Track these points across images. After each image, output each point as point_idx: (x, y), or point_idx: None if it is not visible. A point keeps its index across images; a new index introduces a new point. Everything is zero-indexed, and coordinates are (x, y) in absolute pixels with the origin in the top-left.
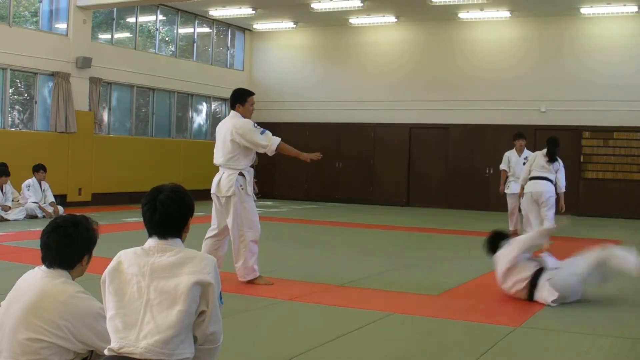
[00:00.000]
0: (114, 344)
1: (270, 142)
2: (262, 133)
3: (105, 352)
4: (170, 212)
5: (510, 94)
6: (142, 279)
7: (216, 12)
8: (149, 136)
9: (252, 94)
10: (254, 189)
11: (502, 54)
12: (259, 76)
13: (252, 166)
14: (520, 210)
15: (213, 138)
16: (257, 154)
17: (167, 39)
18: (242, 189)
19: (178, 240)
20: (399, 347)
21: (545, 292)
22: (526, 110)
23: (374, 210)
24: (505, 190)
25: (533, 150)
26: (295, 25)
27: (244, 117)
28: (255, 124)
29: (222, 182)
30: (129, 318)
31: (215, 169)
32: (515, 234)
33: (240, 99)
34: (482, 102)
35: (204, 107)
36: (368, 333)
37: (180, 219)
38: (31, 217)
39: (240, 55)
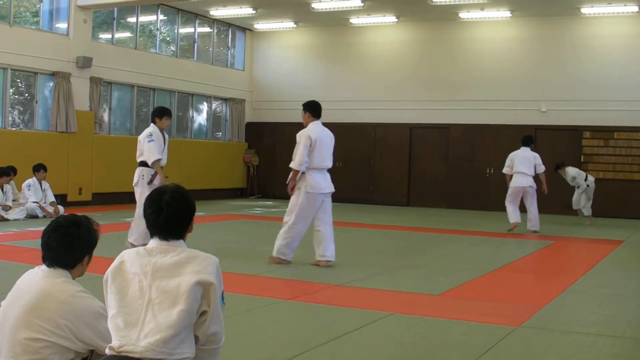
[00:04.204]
0: (114, 343)
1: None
2: None
3: (107, 350)
4: (176, 212)
5: (511, 94)
6: (144, 279)
7: (217, 12)
8: None
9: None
10: None
11: (503, 54)
12: (260, 76)
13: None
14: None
15: (214, 138)
16: (257, 154)
17: (167, 38)
18: None
19: (181, 241)
20: (399, 347)
21: None
22: (526, 110)
23: (374, 210)
24: None
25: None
26: (295, 25)
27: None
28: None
29: (330, 180)
30: (131, 317)
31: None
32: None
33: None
34: (482, 102)
35: (204, 106)
36: (368, 333)
37: (185, 219)
38: (32, 216)
39: (240, 55)
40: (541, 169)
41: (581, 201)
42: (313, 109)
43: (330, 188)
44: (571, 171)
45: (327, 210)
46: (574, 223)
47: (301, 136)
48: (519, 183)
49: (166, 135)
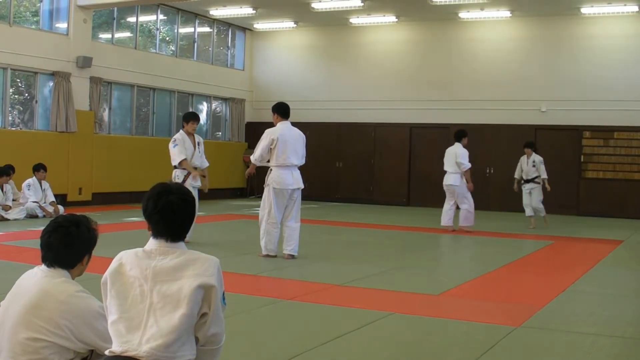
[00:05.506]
0: (116, 348)
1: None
2: None
3: (106, 352)
4: (181, 213)
5: (510, 94)
6: (145, 283)
7: (217, 12)
8: (150, 136)
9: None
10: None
11: (502, 53)
12: (260, 76)
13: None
14: None
15: (214, 138)
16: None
17: (167, 38)
18: None
19: (181, 243)
20: (399, 347)
21: None
22: (526, 110)
23: (374, 210)
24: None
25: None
26: (295, 25)
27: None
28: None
29: (298, 177)
30: (132, 322)
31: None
32: None
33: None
34: (482, 102)
35: (204, 106)
36: (368, 333)
37: (188, 220)
38: (31, 216)
39: (240, 55)
40: (463, 167)
41: (533, 201)
42: (281, 110)
43: (298, 184)
44: (539, 157)
45: (295, 208)
46: (573, 223)
47: (265, 134)
48: (443, 181)
49: (199, 138)
